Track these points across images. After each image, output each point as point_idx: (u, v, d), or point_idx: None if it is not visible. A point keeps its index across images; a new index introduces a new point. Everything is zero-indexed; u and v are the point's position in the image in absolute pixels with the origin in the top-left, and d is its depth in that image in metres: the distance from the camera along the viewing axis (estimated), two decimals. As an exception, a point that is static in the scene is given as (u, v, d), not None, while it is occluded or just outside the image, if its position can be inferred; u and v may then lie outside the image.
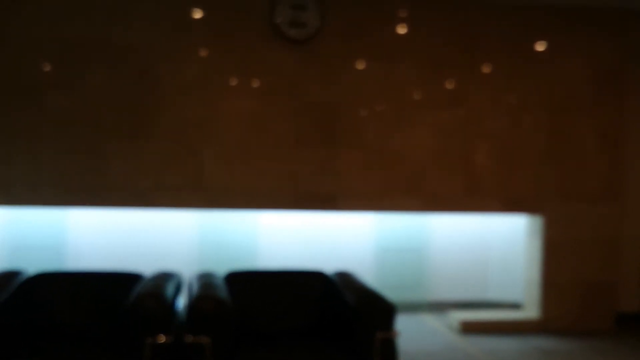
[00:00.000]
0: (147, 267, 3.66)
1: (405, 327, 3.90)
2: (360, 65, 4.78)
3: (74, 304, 3.21)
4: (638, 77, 5.19)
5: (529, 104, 4.98)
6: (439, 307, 5.37)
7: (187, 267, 4.24)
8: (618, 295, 5.16)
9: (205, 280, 3.29)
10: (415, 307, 5.34)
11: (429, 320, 5.14)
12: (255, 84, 4.66)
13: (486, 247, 5.48)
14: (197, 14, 4.59)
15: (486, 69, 4.92)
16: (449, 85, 4.88)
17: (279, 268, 3.73)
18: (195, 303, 2.88)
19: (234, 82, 4.64)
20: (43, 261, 4.63)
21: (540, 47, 4.97)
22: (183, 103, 4.57)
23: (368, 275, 4.96)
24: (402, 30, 4.82)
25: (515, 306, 5.38)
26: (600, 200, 5.06)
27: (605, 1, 4.87)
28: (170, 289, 3.09)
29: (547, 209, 5.00)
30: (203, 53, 4.60)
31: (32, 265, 3.76)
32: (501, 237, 5.47)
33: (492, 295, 5.49)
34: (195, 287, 3.17)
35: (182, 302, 3.25)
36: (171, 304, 2.94)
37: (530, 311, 5.10)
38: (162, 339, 2.72)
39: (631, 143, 5.21)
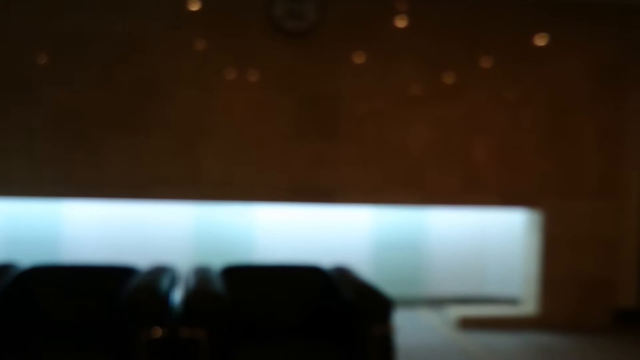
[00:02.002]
0: (142, 260, 3.64)
1: (403, 322, 3.89)
2: (359, 59, 4.74)
3: (69, 297, 3.19)
4: (638, 73, 5.16)
5: (529, 100, 4.95)
6: (437, 302, 5.36)
7: (183, 260, 4.23)
8: (616, 292, 5.15)
9: (202, 274, 3.27)
10: (413, 302, 5.32)
11: (427, 316, 5.13)
12: (253, 77, 4.62)
13: (484, 242, 5.46)
14: (195, 7, 4.55)
15: (486, 64, 4.89)
16: (448, 80, 4.86)
17: (276, 262, 3.71)
18: (191, 297, 2.86)
19: (231, 75, 4.60)
20: (37, 254, 4.60)
21: (540, 42, 4.94)
22: (180, 96, 4.53)
23: (365, 270, 4.95)
24: (401, 24, 4.79)
25: (513, 301, 5.37)
26: (600, 196, 5.04)
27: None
28: (165, 282, 3.07)
29: (546, 204, 4.98)
30: (201, 46, 4.57)
31: (26, 257, 3.74)
32: (499, 233, 5.46)
33: (490, 290, 5.48)
34: (191, 282, 3.14)
35: (178, 296, 3.22)
36: (166, 298, 2.91)
37: (528, 307, 5.09)
38: (157, 332, 2.70)
39: (631, 139, 5.18)
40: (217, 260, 3.75)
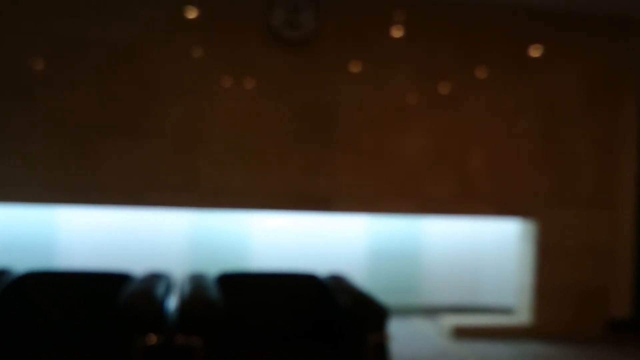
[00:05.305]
0: (138, 267, 3.63)
1: (398, 331, 3.90)
2: (356, 68, 4.77)
3: (64, 304, 3.18)
4: (633, 83, 5.20)
5: (524, 110, 4.98)
6: (432, 311, 5.36)
7: (178, 268, 4.22)
8: (610, 301, 5.16)
9: (197, 281, 3.27)
10: (408, 311, 5.32)
11: (421, 325, 5.13)
12: (250, 85, 4.64)
13: (479, 252, 5.47)
14: (193, 15, 4.57)
15: (482, 74, 4.92)
16: (445, 89, 4.88)
17: (271, 270, 3.71)
18: (186, 305, 2.85)
19: (228, 83, 4.61)
20: (32, 260, 4.58)
21: (535, 53, 4.98)
22: (177, 103, 4.54)
23: (361, 278, 4.95)
24: (398, 33, 4.82)
25: (507, 311, 5.37)
26: (594, 206, 5.07)
27: (600, 8, 4.89)
28: (161, 289, 3.07)
29: (541, 214, 5.00)
30: (198, 53, 4.58)
31: (21, 263, 3.73)
32: (494, 242, 5.48)
33: (485, 299, 5.49)
34: (187, 289, 3.14)
35: (173, 303, 3.22)
36: (162, 305, 2.91)
37: (522, 316, 5.10)
38: (152, 339, 2.70)
39: (625, 149, 5.21)
40: (213, 268, 3.75)
